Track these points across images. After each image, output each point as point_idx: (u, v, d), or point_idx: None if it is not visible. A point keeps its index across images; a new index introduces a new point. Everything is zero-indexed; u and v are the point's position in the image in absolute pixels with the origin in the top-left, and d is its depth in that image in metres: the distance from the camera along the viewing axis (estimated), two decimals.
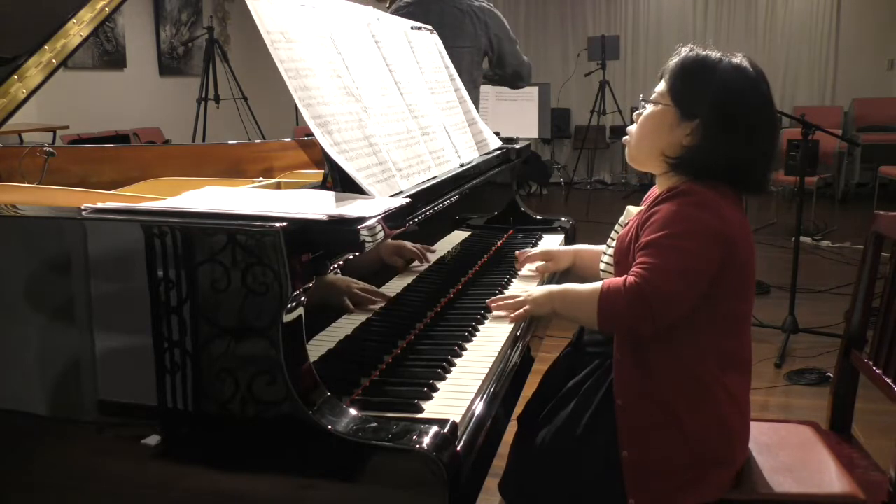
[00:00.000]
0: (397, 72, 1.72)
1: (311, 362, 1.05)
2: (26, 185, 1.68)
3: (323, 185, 1.52)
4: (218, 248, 1.00)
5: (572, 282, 1.56)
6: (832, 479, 1.51)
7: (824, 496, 1.46)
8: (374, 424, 1.00)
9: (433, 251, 1.64)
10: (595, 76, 7.93)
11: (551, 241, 2.25)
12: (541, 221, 2.39)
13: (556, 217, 2.41)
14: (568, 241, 2.29)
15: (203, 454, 1.06)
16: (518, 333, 1.48)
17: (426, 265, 1.61)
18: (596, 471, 1.42)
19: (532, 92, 5.44)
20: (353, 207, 1.12)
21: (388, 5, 3.22)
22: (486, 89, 4.72)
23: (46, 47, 1.65)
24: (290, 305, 1.00)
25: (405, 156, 1.54)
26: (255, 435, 1.02)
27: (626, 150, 1.55)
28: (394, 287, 1.47)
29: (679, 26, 8.92)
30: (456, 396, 1.17)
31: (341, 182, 1.29)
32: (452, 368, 1.28)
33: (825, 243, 5.88)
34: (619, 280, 1.38)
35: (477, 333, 1.44)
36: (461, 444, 1.04)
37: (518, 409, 1.57)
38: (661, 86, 1.47)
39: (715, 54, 1.44)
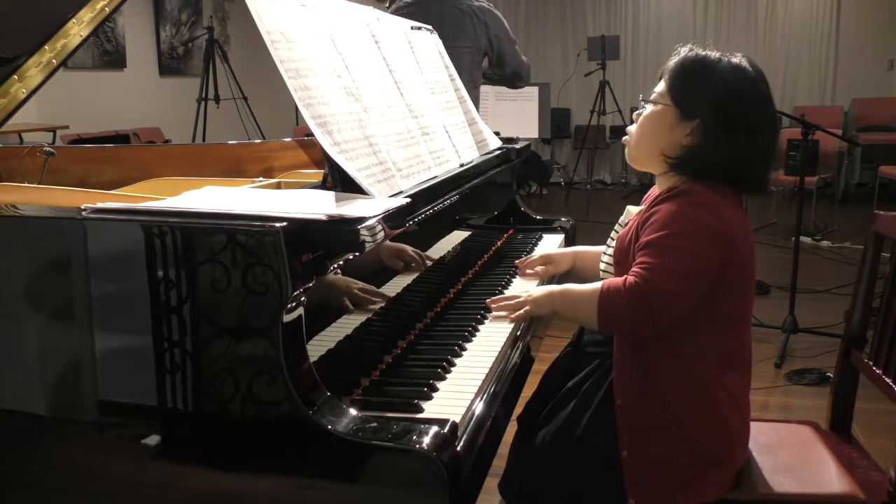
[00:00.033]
0: (397, 72, 1.72)
1: (311, 362, 1.05)
2: (26, 185, 1.68)
3: (323, 185, 1.52)
4: (218, 248, 1.00)
5: (572, 283, 1.56)
6: (832, 479, 1.51)
7: (824, 496, 1.46)
8: (374, 424, 1.00)
9: (432, 260, 1.64)
10: (595, 76, 7.93)
11: (551, 241, 2.25)
12: (541, 221, 2.39)
13: (556, 217, 2.41)
14: (568, 241, 2.29)
15: (203, 454, 1.06)
16: (518, 333, 1.48)
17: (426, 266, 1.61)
18: (596, 471, 1.42)
19: (532, 92, 5.44)
20: (353, 207, 1.12)
21: (387, 5, 3.22)
22: (486, 89, 4.72)
23: (46, 47, 1.65)
24: (290, 305, 1.00)
25: (405, 156, 1.54)
26: (255, 435, 1.02)
27: (626, 150, 1.55)
28: (394, 287, 1.47)
29: (679, 26, 8.92)
30: (456, 396, 1.17)
31: (341, 182, 1.28)
32: (452, 368, 1.28)
33: (825, 243, 5.88)
34: (619, 280, 1.38)
35: (477, 333, 1.44)
36: (461, 444, 1.04)
37: (518, 409, 1.57)
38: (661, 86, 1.47)
39: (714, 54, 1.44)
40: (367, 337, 1.31)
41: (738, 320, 1.47)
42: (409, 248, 1.53)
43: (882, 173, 6.90)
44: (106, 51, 6.82)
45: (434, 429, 0.99)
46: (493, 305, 1.54)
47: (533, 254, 1.94)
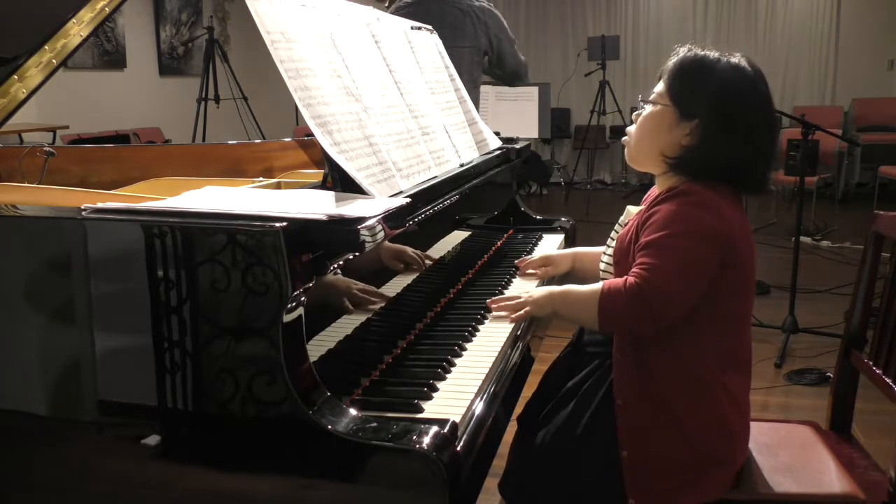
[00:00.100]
0: (397, 72, 1.72)
1: (311, 362, 1.05)
2: (26, 185, 1.68)
3: (323, 185, 1.52)
4: (218, 248, 1.00)
5: (572, 284, 1.56)
6: (832, 479, 1.51)
7: (824, 496, 1.46)
8: (374, 424, 1.00)
9: (432, 260, 1.64)
10: (595, 76, 7.93)
11: (551, 242, 2.25)
12: (541, 221, 2.39)
13: (556, 217, 2.41)
14: (568, 242, 2.29)
15: (203, 454, 1.06)
16: (518, 333, 1.48)
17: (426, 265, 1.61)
18: (596, 471, 1.42)
19: (532, 92, 5.44)
20: (353, 207, 1.12)
21: (387, 5, 3.22)
22: (486, 89, 4.72)
23: (46, 47, 1.65)
24: (290, 305, 1.00)
25: (405, 156, 1.54)
26: (255, 435, 1.02)
27: (626, 150, 1.55)
28: (394, 287, 1.47)
29: (679, 26, 8.92)
30: (456, 396, 1.17)
31: (341, 182, 1.28)
32: (452, 368, 1.28)
33: (825, 243, 5.88)
34: (619, 281, 1.38)
35: (477, 333, 1.44)
36: (461, 444, 1.04)
37: (518, 409, 1.57)
38: (660, 86, 1.47)
39: (713, 54, 1.44)
40: (367, 337, 1.31)
41: (738, 320, 1.47)
42: (408, 249, 1.53)
43: (882, 173, 6.90)
44: (106, 51, 6.82)
45: (434, 429, 0.99)
46: (493, 306, 1.54)
47: (533, 254, 1.94)
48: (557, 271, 1.86)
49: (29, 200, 1.46)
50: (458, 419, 1.07)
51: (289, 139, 2.46)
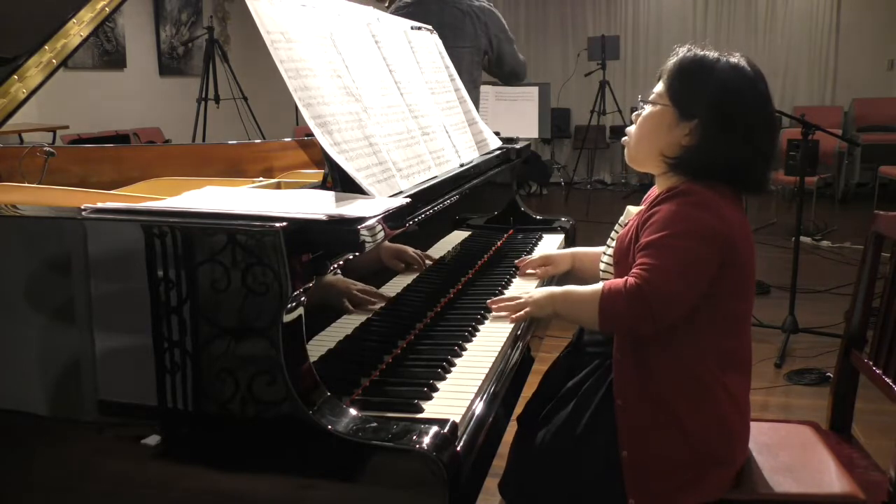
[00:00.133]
0: (397, 72, 1.72)
1: (311, 362, 1.05)
2: (26, 185, 1.68)
3: (323, 185, 1.52)
4: (218, 248, 1.00)
5: (572, 284, 1.56)
6: (832, 479, 1.51)
7: (824, 496, 1.46)
8: (374, 424, 1.00)
9: (432, 260, 1.64)
10: (595, 76, 7.93)
11: (551, 241, 2.25)
12: (541, 221, 2.39)
13: (556, 217, 2.41)
14: (568, 242, 2.29)
15: (203, 454, 1.06)
16: (518, 333, 1.48)
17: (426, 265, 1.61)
18: (596, 471, 1.42)
19: (532, 92, 5.44)
20: (353, 207, 1.12)
21: (387, 5, 3.22)
22: (485, 89, 4.71)
23: (46, 47, 1.65)
24: (290, 305, 1.00)
25: (405, 156, 1.54)
26: (255, 435, 1.02)
27: (626, 150, 1.55)
28: (394, 287, 1.47)
29: (679, 26, 8.92)
30: (456, 396, 1.17)
31: (341, 182, 1.28)
32: (452, 368, 1.28)
33: (825, 243, 5.88)
34: (619, 281, 1.38)
35: (477, 333, 1.44)
36: (461, 444, 1.04)
37: (518, 409, 1.57)
38: (660, 86, 1.47)
39: (713, 54, 1.44)
40: (367, 337, 1.31)
41: (739, 320, 1.47)
42: (409, 249, 1.53)
43: (882, 173, 6.90)
44: (106, 51, 6.82)
45: (434, 429, 0.99)
46: (493, 306, 1.54)
47: (532, 254, 1.94)
48: (557, 271, 1.86)
49: (29, 200, 1.46)
50: (458, 419, 1.07)
51: (289, 139, 2.46)
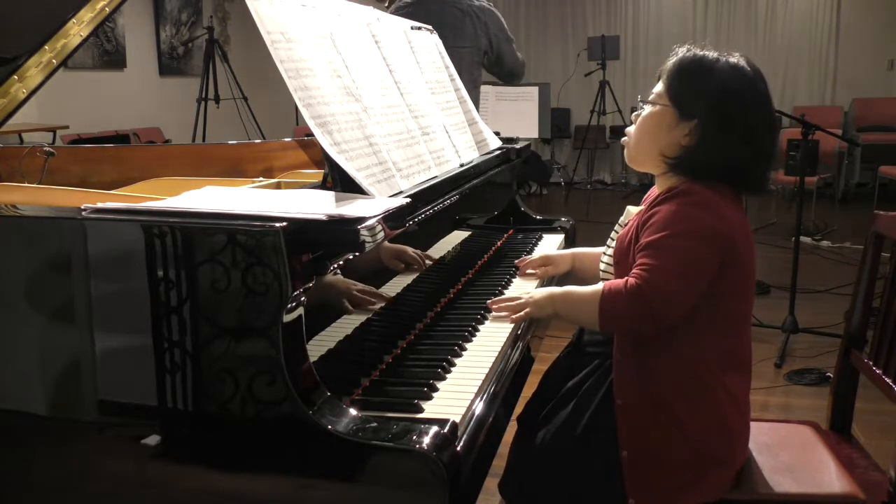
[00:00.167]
0: (397, 72, 1.72)
1: (311, 362, 1.05)
2: (26, 185, 1.68)
3: (323, 185, 1.52)
4: (218, 248, 1.00)
5: (572, 284, 1.56)
6: (832, 479, 1.51)
7: (824, 496, 1.46)
8: (374, 424, 1.00)
9: (432, 260, 1.64)
10: (595, 76, 7.93)
11: (551, 242, 2.25)
12: (541, 221, 2.39)
13: (556, 217, 2.41)
14: (568, 242, 2.29)
15: (203, 454, 1.06)
16: (518, 333, 1.48)
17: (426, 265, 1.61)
18: (596, 471, 1.42)
19: (532, 92, 5.44)
20: (353, 207, 1.12)
21: (387, 5, 3.22)
22: (486, 89, 4.72)
23: (46, 47, 1.65)
24: (290, 305, 1.00)
25: (405, 156, 1.54)
26: (255, 435, 1.02)
27: (625, 151, 1.55)
28: (394, 287, 1.47)
29: (679, 26, 8.92)
30: (456, 396, 1.17)
31: (341, 182, 1.28)
32: (452, 368, 1.28)
33: (825, 243, 5.88)
34: (619, 282, 1.38)
35: (477, 333, 1.44)
36: (461, 444, 1.04)
37: (518, 409, 1.57)
38: (659, 86, 1.47)
39: (712, 54, 1.44)
40: (367, 337, 1.31)
41: (739, 320, 1.47)
42: (409, 249, 1.53)
43: (882, 173, 6.90)
44: (106, 51, 6.82)
45: (434, 429, 0.99)
46: (493, 307, 1.54)
47: (532, 254, 1.94)
48: (557, 271, 1.86)
49: (29, 200, 1.46)
50: (458, 419, 1.07)
51: (289, 139, 2.46)
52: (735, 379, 1.44)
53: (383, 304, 1.38)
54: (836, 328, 3.62)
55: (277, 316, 0.99)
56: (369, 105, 1.49)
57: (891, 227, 1.67)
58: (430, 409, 1.12)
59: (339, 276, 1.29)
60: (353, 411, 1.03)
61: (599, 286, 1.40)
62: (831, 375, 2.11)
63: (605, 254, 1.62)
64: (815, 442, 1.64)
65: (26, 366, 1.10)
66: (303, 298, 1.03)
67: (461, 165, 1.82)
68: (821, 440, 1.65)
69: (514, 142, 2.34)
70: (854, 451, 1.63)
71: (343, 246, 1.07)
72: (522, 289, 1.71)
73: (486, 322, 1.50)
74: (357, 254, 1.09)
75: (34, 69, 1.64)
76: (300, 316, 1.03)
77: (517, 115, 5.30)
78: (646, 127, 1.49)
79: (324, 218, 1.04)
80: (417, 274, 1.55)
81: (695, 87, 1.42)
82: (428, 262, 1.61)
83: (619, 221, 1.62)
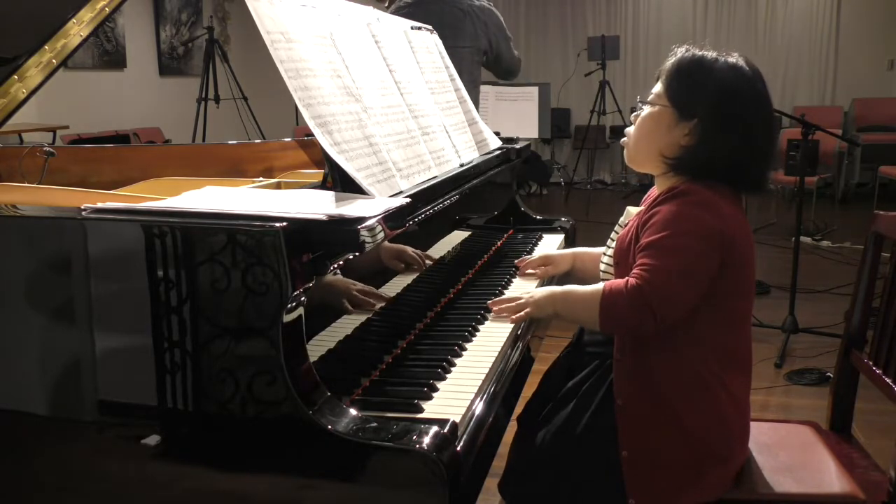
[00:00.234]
0: (397, 72, 1.72)
1: (311, 362, 1.05)
2: (26, 185, 1.68)
3: (323, 185, 1.52)
4: (218, 248, 1.00)
5: (572, 284, 1.56)
6: (832, 479, 1.51)
7: (824, 496, 1.46)
8: (374, 424, 1.00)
9: (432, 260, 1.64)
10: (595, 76, 7.93)
11: (551, 242, 2.25)
12: (541, 221, 2.39)
13: (556, 217, 2.41)
14: (568, 242, 2.29)
15: (203, 454, 1.06)
16: (518, 333, 1.48)
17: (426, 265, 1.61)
18: (596, 471, 1.42)
19: (532, 92, 5.44)
20: (353, 207, 1.12)
21: (387, 5, 3.23)
22: (485, 89, 4.72)
23: (46, 47, 1.65)
24: (290, 305, 1.00)
25: (405, 156, 1.54)
26: (255, 435, 1.02)
27: (625, 151, 1.55)
28: (394, 287, 1.47)
29: (679, 26, 8.92)
30: (456, 396, 1.17)
31: (341, 182, 1.28)
32: (452, 368, 1.28)
33: (825, 243, 5.88)
34: (620, 282, 1.38)
35: (477, 333, 1.44)
36: (461, 444, 1.04)
37: (518, 409, 1.57)
38: (658, 87, 1.48)
39: (711, 54, 1.44)
40: (367, 337, 1.31)
41: (739, 319, 1.47)
42: (409, 249, 1.53)
43: (882, 173, 6.90)
44: (106, 51, 6.82)
45: (434, 429, 0.99)
46: (494, 307, 1.53)
47: (533, 254, 1.94)
48: (557, 271, 1.86)
49: (29, 200, 1.46)
50: (458, 419, 1.07)
51: (289, 139, 2.46)
52: (735, 378, 1.44)
53: (383, 304, 1.38)
54: (836, 328, 3.62)
55: (277, 316, 0.99)
56: (369, 105, 1.49)
57: (891, 227, 1.67)
58: (430, 409, 1.12)
59: (339, 276, 1.29)
60: (353, 411, 1.03)
61: (600, 286, 1.40)
62: (831, 375, 2.11)
63: (605, 254, 1.62)
64: (815, 442, 1.64)
65: (27, 366, 1.11)
66: (303, 298, 1.03)
67: (461, 165, 1.82)
68: (821, 440, 1.65)
69: (514, 142, 2.34)
70: (854, 451, 1.63)
71: (343, 246, 1.07)
72: (522, 289, 1.71)
73: (486, 322, 1.50)
74: (357, 254, 1.09)
75: (34, 69, 1.64)
76: (300, 316, 1.03)
77: (517, 115, 5.30)
78: (645, 127, 1.49)
79: (324, 218, 1.04)
80: (417, 274, 1.55)
81: (694, 87, 1.42)
82: (428, 262, 1.61)
83: (619, 222, 1.62)
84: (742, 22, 8.85)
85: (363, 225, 1.05)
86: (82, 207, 1.08)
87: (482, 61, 3.31)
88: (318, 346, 1.18)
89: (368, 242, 1.06)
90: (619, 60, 8.35)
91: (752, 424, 1.53)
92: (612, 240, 1.58)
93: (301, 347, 1.05)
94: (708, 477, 1.41)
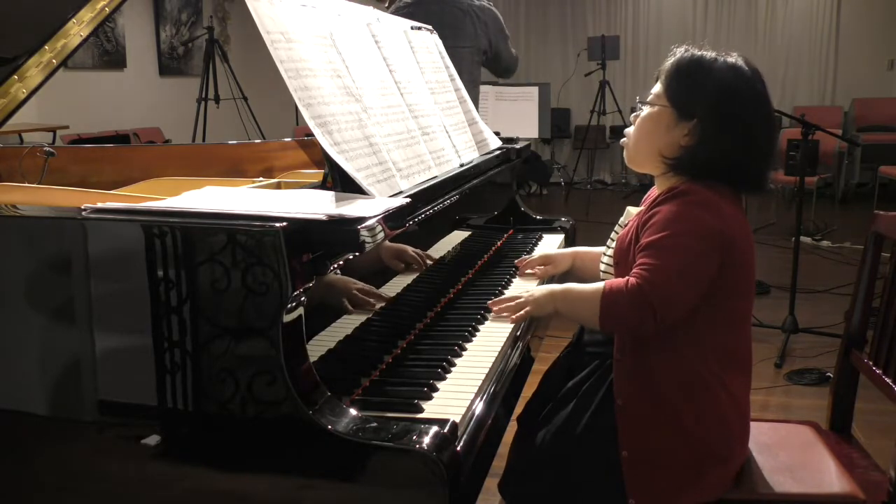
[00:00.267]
0: (398, 72, 1.72)
1: (311, 362, 1.05)
2: (26, 185, 1.68)
3: (323, 185, 1.52)
4: (218, 248, 1.00)
5: (573, 282, 1.56)
6: (832, 479, 1.51)
7: (824, 496, 1.46)
8: (374, 424, 1.00)
9: (433, 260, 1.64)
10: (595, 76, 7.93)
11: (551, 241, 2.25)
12: (541, 221, 2.39)
13: (556, 217, 2.41)
14: (568, 241, 2.29)
15: (203, 454, 1.06)
16: (518, 333, 1.48)
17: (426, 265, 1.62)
18: (596, 471, 1.42)
19: (532, 92, 5.45)
20: (353, 207, 1.12)
21: (387, 5, 3.23)
22: (485, 89, 4.72)
23: (46, 47, 1.66)
24: (290, 305, 1.00)
25: (405, 156, 1.54)
26: (255, 435, 1.02)
27: (625, 152, 1.55)
28: (394, 287, 1.47)
29: (679, 26, 8.92)
30: (456, 396, 1.17)
31: (341, 182, 1.29)
32: (452, 368, 1.28)
33: (825, 243, 5.88)
34: (621, 281, 1.38)
35: (477, 333, 1.44)
36: (461, 444, 1.04)
37: (518, 409, 1.57)
38: (657, 87, 1.48)
39: (710, 54, 1.44)
40: (367, 337, 1.31)
41: (739, 319, 1.47)
42: (409, 248, 1.53)
43: (882, 173, 6.90)
44: (106, 51, 6.82)
45: (434, 429, 0.99)
46: (494, 308, 1.53)
47: (532, 254, 1.94)
48: (557, 270, 1.86)
49: (29, 200, 1.46)
50: (458, 419, 1.07)
51: (289, 139, 2.46)
52: (735, 378, 1.44)
53: (383, 304, 1.38)
54: (836, 328, 3.62)
55: (277, 316, 0.99)
56: (369, 105, 1.49)
57: (891, 227, 1.67)
58: (430, 409, 1.12)
59: (339, 275, 1.29)
60: (353, 411, 1.03)
61: (600, 284, 1.40)
62: (831, 375, 2.11)
63: (605, 254, 1.62)
64: (815, 442, 1.64)
65: (27, 366, 1.11)
66: (303, 298, 1.03)
67: (461, 165, 1.82)
68: (821, 440, 1.65)
69: (514, 142, 2.34)
70: (854, 451, 1.63)
71: (343, 246, 1.07)
72: (522, 289, 1.71)
73: (486, 322, 1.50)
74: (357, 254, 1.09)
75: (34, 69, 1.64)
76: (300, 316, 1.04)
77: (517, 115, 5.30)
78: (644, 128, 1.49)
79: (324, 218, 1.04)
80: (417, 274, 1.55)
81: (693, 87, 1.42)
82: (428, 261, 1.61)
83: (619, 222, 1.62)
84: (742, 22, 8.85)
85: (363, 225, 1.05)
86: (82, 207, 1.08)
87: (482, 61, 3.32)
88: (318, 346, 1.18)
89: (368, 242, 1.06)
90: (619, 60, 8.35)
91: (752, 424, 1.53)
92: (612, 240, 1.58)
93: (301, 347, 1.05)
94: (708, 477, 1.41)
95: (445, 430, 1.00)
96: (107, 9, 1.72)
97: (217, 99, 6.40)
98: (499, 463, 1.38)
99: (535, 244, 2.19)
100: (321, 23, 1.47)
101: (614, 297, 1.36)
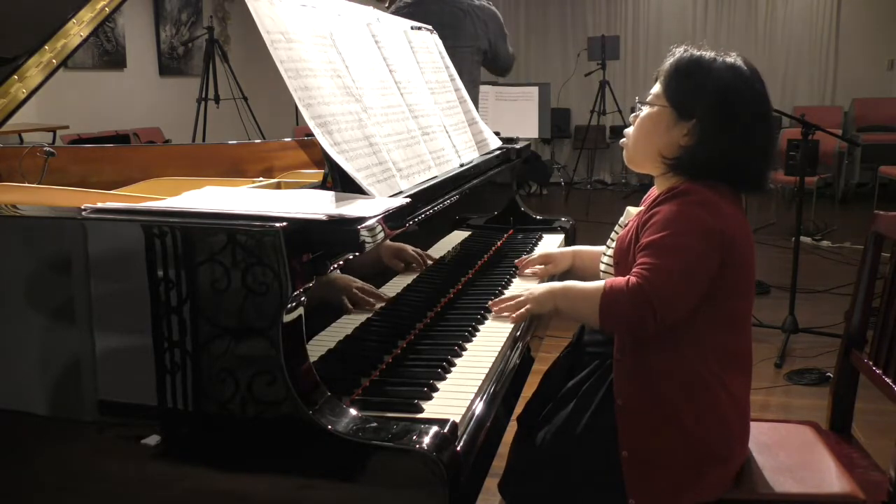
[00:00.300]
0: (398, 72, 1.72)
1: (311, 362, 1.05)
2: (26, 185, 1.68)
3: (323, 185, 1.52)
4: (218, 248, 1.00)
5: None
6: (832, 479, 1.51)
7: (824, 496, 1.46)
8: (374, 424, 1.00)
9: (433, 260, 1.64)
10: (595, 76, 7.93)
11: (551, 241, 2.25)
12: (541, 221, 2.39)
13: (556, 217, 2.41)
14: (568, 241, 2.29)
15: (203, 454, 1.06)
16: (518, 333, 1.48)
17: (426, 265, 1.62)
18: (596, 471, 1.42)
19: (532, 92, 5.45)
20: (353, 207, 1.12)
21: (387, 5, 3.23)
22: (485, 89, 4.73)
23: (46, 47, 1.66)
24: (290, 305, 1.00)
25: (405, 156, 1.54)
26: (255, 435, 1.02)
27: (624, 152, 1.55)
28: (394, 287, 1.47)
29: (679, 26, 8.92)
30: (456, 396, 1.17)
31: (341, 182, 1.29)
32: (452, 368, 1.28)
33: (825, 243, 5.88)
34: (621, 280, 1.38)
35: (477, 333, 1.44)
36: (461, 444, 1.04)
37: (518, 409, 1.57)
38: (657, 87, 1.48)
39: (709, 54, 1.44)
40: (367, 337, 1.31)
41: (739, 319, 1.47)
42: (409, 248, 1.53)
43: (882, 173, 6.90)
44: (106, 51, 6.82)
45: (434, 429, 0.99)
46: (494, 308, 1.53)
47: (532, 253, 1.94)
48: (557, 269, 1.86)
49: (29, 200, 1.46)
50: (458, 419, 1.07)
51: (289, 139, 2.46)
52: (735, 378, 1.44)
53: (383, 304, 1.38)
54: (836, 328, 3.62)
55: (277, 316, 0.99)
56: (369, 105, 1.49)
57: (891, 227, 1.67)
58: (430, 409, 1.12)
59: (340, 274, 1.29)
60: (353, 411, 1.03)
61: (601, 283, 1.40)
62: (831, 375, 2.11)
63: (605, 254, 1.62)
64: (815, 442, 1.64)
65: (27, 366, 1.11)
66: (303, 298, 1.03)
67: (461, 165, 1.82)
68: (821, 440, 1.65)
69: (514, 142, 2.34)
70: (854, 451, 1.63)
71: (343, 246, 1.07)
72: (522, 288, 1.71)
73: (486, 322, 1.50)
74: (357, 254, 1.09)
75: (34, 69, 1.64)
76: (300, 316, 1.04)
77: (517, 115, 5.30)
78: (644, 128, 1.49)
79: (324, 218, 1.04)
80: (417, 274, 1.55)
81: (692, 87, 1.42)
82: (428, 261, 1.61)
83: (619, 222, 1.62)
84: (742, 22, 8.85)
85: (363, 225, 1.05)
86: (82, 207, 1.08)
87: (481, 60, 3.32)
88: (318, 346, 1.18)
89: (368, 242, 1.06)
90: (619, 60, 8.35)
91: (752, 424, 1.53)
92: (612, 240, 1.58)
93: (301, 347, 1.05)
94: (708, 477, 1.41)
95: (445, 430, 1.00)
96: (107, 9, 1.72)
97: (217, 99, 6.40)
98: (499, 463, 1.38)
99: (535, 244, 2.19)
100: (321, 23, 1.47)
101: (615, 296, 1.36)
